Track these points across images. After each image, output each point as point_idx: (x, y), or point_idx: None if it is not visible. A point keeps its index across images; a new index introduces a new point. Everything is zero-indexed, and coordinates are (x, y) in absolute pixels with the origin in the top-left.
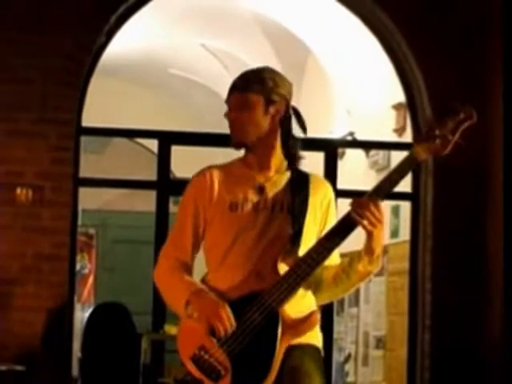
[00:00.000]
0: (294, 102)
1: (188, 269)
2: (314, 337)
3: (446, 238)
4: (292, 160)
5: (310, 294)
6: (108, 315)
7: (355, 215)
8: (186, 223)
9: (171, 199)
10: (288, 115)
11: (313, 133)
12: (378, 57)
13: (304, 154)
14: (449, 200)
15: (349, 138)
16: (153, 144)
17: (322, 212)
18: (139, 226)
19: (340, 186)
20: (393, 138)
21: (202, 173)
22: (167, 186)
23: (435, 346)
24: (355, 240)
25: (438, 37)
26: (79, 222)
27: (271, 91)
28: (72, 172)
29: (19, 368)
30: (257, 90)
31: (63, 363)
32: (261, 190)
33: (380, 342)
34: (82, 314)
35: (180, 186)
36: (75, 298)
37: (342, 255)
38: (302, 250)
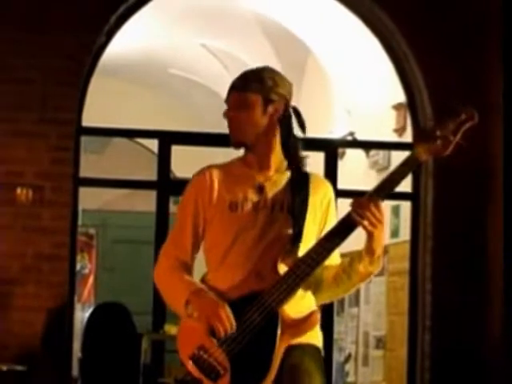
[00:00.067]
0: (293, 102)
1: (188, 268)
2: (314, 336)
3: (447, 239)
4: (292, 160)
5: (309, 294)
6: (108, 315)
7: (355, 215)
8: (185, 223)
9: (171, 199)
10: (287, 115)
11: (313, 133)
12: (377, 56)
13: (305, 153)
14: (449, 200)
15: (349, 138)
16: (153, 144)
17: (322, 212)
18: (139, 226)
19: (340, 186)
20: (393, 137)
21: (201, 172)
22: (167, 185)
23: (435, 347)
24: (355, 240)
25: (438, 36)
26: (79, 222)
27: (270, 90)
28: (72, 172)
29: (19, 368)
30: (255, 89)
31: (63, 363)
32: (260, 189)
33: (380, 342)
34: (82, 314)
35: (180, 185)
36: (75, 298)
37: (343, 255)
38: (302, 250)
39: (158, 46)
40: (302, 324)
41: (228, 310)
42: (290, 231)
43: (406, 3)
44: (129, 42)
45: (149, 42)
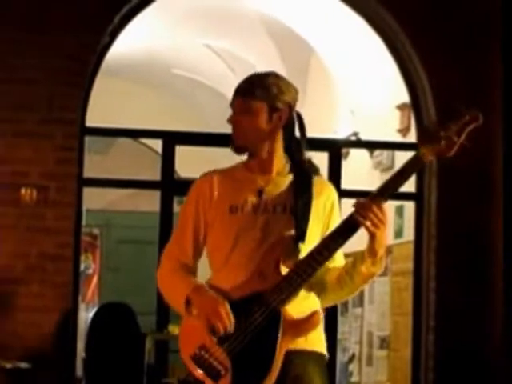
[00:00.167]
0: (298, 103)
1: (190, 270)
2: (318, 342)
3: (450, 239)
4: (295, 163)
5: (313, 295)
6: (112, 315)
7: (358, 216)
8: (187, 226)
9: (175, 199)
10: (292, 121)
11: (317, 133)
12: (382, 57)
13: (308, 155)
14: (453, 200)
15: (353, 138)
16: (157, 144)
17: (326, 214)
18: (143, 226)
19: (344, 186)
20: (397, 138)
21: (203, 176)
22: (171, 186)
23: (439, 347)
24: (358, 240)
25: (443, 37)
26: (83, 222)
27: (275, 98)
28: (76, 172)
29: (24, 365)
30: (260, 96)
31: (67, 363)
32: (260, 192)
33: (384, 342)
34: (86, 314)
35: (184, 186)
36: (79, 298)
37: (346, 255)
38: (305, 251)
39: (161, 47)
40: (303, 324)
41: (228, 307)
42: (293, 232)
43: (410, 4)
44: (132, 42)
45: (152, 43)
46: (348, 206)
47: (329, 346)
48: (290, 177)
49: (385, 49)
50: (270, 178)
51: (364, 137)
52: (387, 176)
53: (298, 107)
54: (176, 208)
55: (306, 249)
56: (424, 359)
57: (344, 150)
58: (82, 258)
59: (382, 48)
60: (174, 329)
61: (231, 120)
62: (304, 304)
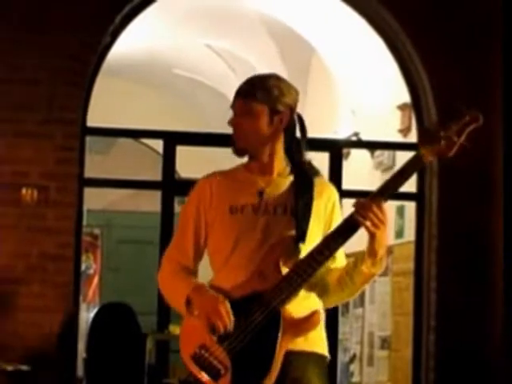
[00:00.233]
0: (299, 103)
1: (190, 271)
2: (318, 343)
3: (451, 239)
4: (295, 164)
5: (313, 295)
6: (113, 315)
7: (358, 216)
8: (187, 227)
9: (176, 199)
10: (293, 123)
11: (318, 133)
12: (382, 57)
13: (310, 154)
14: (454, 200)
15: (354, 138)
16: (158, 144)
17: (327, 215)
18: (144, 227)
19: (345, 186)
20: (398, 138)
21: (204, 178)
22: (172, 186)
23: (440, 347)
24: (358, 241)
25: (443, 37)
26: (84, 222)
27: (276, 101)
28: (77, 172)
29: (24, 368)
30: (262, 99)
31: (68, 363)
32: (261, 193)
33: (385, 343)
34: (87, 315)
35: (185, 186)
36: (80, 299)
37: (346, 256)
38: (306, 252)
39: (162, 47)
40: (303, 324)
41: (228, 306)
42: (293, 233)
43: (411, 4)
44: (134, 42)
45: (153, 43)
46: (349, 206)
47: (330, 347)
48: (291, 178)
49: (386, 49)
50: (270, 179)
51: (365, 137)
52: (388, 176)
53: (299, 107)
54: (177, 208)
55: (306, 249)
56: (425, 359)
57: (345, 150)
58: (83, 258)
59: (383, 48)
60: (174, 329)
61: (232, 122)
62: (304, 304)
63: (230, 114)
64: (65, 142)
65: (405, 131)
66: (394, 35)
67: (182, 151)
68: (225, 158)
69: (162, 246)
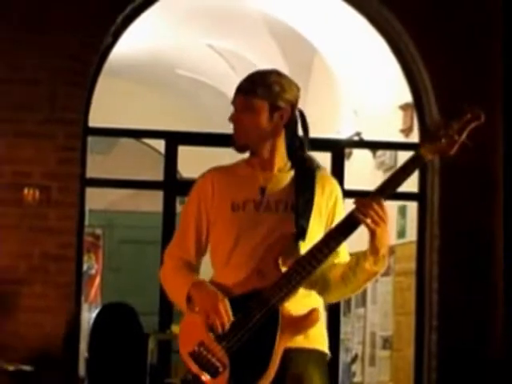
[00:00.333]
0: (300, 103)
1: (192, 268)
2: (319, 340)
3: (453, 238)
4: (296, 160)
5: (314, 293)
6: (115, 315)
7: (358, 214)
8: (188, 224)
9: (178, 199)
10: (294, 119)
11: (320, 133)
12: (384, 57)
13: (311, 154)
14: (456, 200)
15: (356, 138)
16: (159, 144)
17: (329, 210)
18: (146, 227)
19: (347, 186)
20: (400, 138)
21: (204, 174)
22: (174, 186)
23: (442, 347)
24: (358, 240)
25: (445, 37)
26: (86, 223)
27: (277, 97)
28: (79, 172)
29: (26, 368)
30: (262, 95)
31: (70, 363)
32: (263, 189)
33: (387, 343)
34: (88, 315)
35: (187, 186)
36: (82, 299)
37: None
38: (307, 248)
39: (164, 47)
40: (302, 322)
41: (227, 304)
42: (294, 230)
43: (413, 5)
44: (135, 42)
45: (155, 43)
46: (351, 206)
47: (331, 347)
48: (292, 173)
49: (387, 49)
50: (271, 174)
51: (367, 137)
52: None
53: (301, 107)
54: (179, 208)
55: (306, 247)
56: (427, 359)
57: (347, 150)
58: (85, 258)
59: (385, 48)
60: (176, 329)
61: (232, 118)
62: (304, 302)
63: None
64: (66, 142)
65: (407, 131)
66: (397, 36)
67: (183, 151)
68: (226, 158)
69: (164, 246)
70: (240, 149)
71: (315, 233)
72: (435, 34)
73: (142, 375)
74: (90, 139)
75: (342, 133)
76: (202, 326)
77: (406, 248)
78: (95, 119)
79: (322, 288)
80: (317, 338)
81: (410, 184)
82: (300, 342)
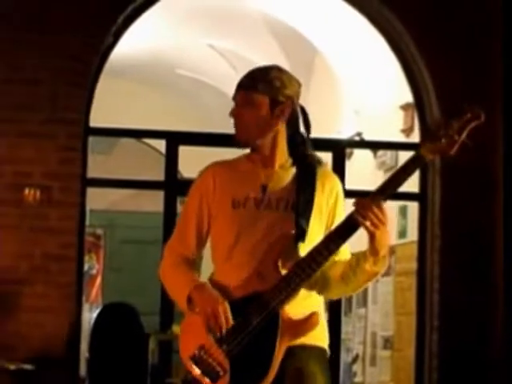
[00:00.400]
0: (301, 102)
1: (192, 264)
2: (320, 337)
3: (454, 238)
4: (298, 157)
5: (313, 294)
6: (116, 315)
7: (358, 216)
8: (189, 219)
9: (179, 199)
10: (295, 115)
11: (321, 133)
12: (385, 57)
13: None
14: (456, 200)
15: (356, 138)
16: (160, 144)
17: (329, 208)
18: (147, 227)
19: (348, 186)
20: (400, 138)
21: (206, 169)
22: (175, 186)
23: (443, 347)
24: (358, 241)
25: (446, 37)
26: (87, 223)
27: (278, 92)
28: (80, 172)
29: (27, 367)
30: (262, 90)
31: (71, 363)
32: (264, 187)
33: (388, 343)
34: (89, 315)
35: (188, 186)
36: (83, 299)
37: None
38: (307, 249)
39: (165, 47)
40: (302, 325)
41: (227, 307)
42: (294, 231)
43: (414, 5)
44: (136, 42)
45: (156, 43)
46: (351, 206)
47: (332, 347)
48: (293, 170)
49: (388, 48)
50: (272, 172)
51: (368, 137)
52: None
53: None
54: (179, 208)
55: (306, 247)
56: (428, 359)
57: (348, 150)
58: (86, 258)
59: (386, 48)
60: (177, 329)
61: (233, 113)
62: (304, 304)
63: None
64: (67, 142)
65: (407, 131)
66: (398, 36)
67: (184, 151)
68: (227, 158)
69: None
70: (240, 144)
71: (315, 233)
72: (435, 34)
73: (143, 375)
74: (91, 139)
75: (343, 133)
76: (202, 328)
77: (407, 248)
78: (96, 119)
79: (322, 286)
80: (317, 336)
81: (411, 184)
82: (301, 339)
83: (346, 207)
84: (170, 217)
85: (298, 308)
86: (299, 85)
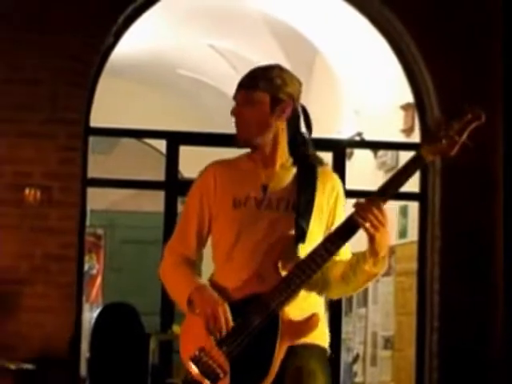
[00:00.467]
0: (302, 102)
1: (192, 264)
2: (320, 337)
3: (454, 239)
4: (299, 157)
5: (313, 295)
6: (116, 315)
7: (358, 217)
8: (190, 219)
9: (179, 199)
10: (296, 114)
11: (321, 133)
12: (386, 57)
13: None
14: (457, 200)
15: (357, 138)
16: (161, 144)
17: (330, 208)
18: (147, 227)
19: (348, 186)
20: (401, 138)
21: (206, 169)
22: (175, 186)
23: (443, 347)
24: (357, 243)
25: (447, 38)
26: (87, 223)
27: (278, 90)
28: (80, 172)
29: (28, 367)
30: (263, 87)
31: (71, 363)
32: (265, 187)
33: (388, 343)
34: (90, 315)
35: (188, 186)
36: (83, 299)
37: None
38: (308, 250)
39: (165, 47)
40: (302, 326)
41: (227, 309)
42: (294, 232)
43: (415, 5)
44: (136, 42)
45: (156, 43)
46: (351, 206)
47: (333, 346)
48: (294, 170)
49: (389, 48)
50: (273, 171)
51: (368, 137)
52: (389, 176)
53: None
54: (180, 208)
55: (307, 247)
56: (428, 359)
57: (348, 151)
58: (86, 258)
59: (386, 48)
60: (178, 329)
61: (234, 112)
62: (303, 306)
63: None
64: (68, 142)
65: (408, 131)
66: (398, 37)
67: (185, 151)
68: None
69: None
70: (241, 144)
71: (316, 233)
72: (436, 34)
73: (144, 375)
74: (92, 139)
75: (343, 133)
76: (202, 328)
77: (407, 248)
78: (96, 119)
79: (323, 287)
80: (318, 336)
81: (411, 184)
82: (301, 340)
83: (348, 207)
84: (170, 217)
85: (297, 309)
86: (300, 84)
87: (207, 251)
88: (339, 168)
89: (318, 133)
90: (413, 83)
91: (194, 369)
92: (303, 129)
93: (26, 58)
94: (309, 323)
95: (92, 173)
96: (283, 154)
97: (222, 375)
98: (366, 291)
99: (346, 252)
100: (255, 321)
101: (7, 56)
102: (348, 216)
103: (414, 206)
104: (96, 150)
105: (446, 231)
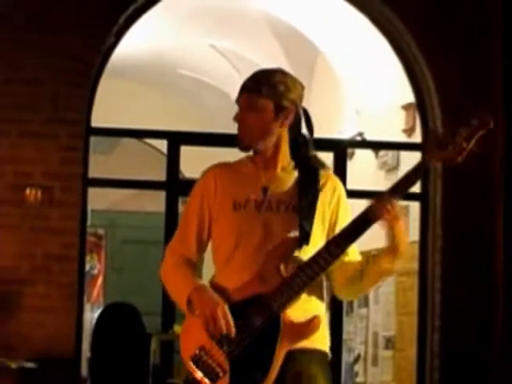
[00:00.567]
0: (303, 103)
1: (193, 265)
2: (320, 341)
3: (456, 239)
4: (300, 160)
5: (315, 298)
6: (117, 315)
7: (376, 210)
8: (191, 221)
9: (180, 199)
10: (298, 118)
11: (322, 133)
12: (387, 57)
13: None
14: (458, 200)
15: (358, 138)
16: (162, 144)
17: (332, 210)
18: (148, 227)
19: (349, 186)
20: (402, 138)
21: (207, 171)
22: (176, 186)
23: (445, 347)
24: (357, 247)
25: (448, 38)
26: (88, 223)
27: (282, 96)
28: (81, 172)
29: (29, 365)
30: (267, 94)
31: (72, 363)
32: (265, 189)
33: (389, 343)
34: (91, 315)
35: (189, 186)
36: (85, 299)
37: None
38: (310, 252)
39: (166, 47)
40: (303, 328)
41: (226, 310)
42: (296, 233)
43: (415, 5)
44: (138, 42)
45: (158, 43)
46: (353, 206)
47: (334, 347)
48: (295, 173)
49: (390, 49)
50: (274, 174)
51: (369, 137)
52: (392, 176)
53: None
54: (181, 208)
55: (310, 248)
56: (429, 359)
57: (349, 151)
58: (87, 258)
59: (387, 48)
60: (179, 329)
61: (237, 117)
62: (305, 307)
63: (234, 113)
64: (69, 142)
65: (409, 131)
66: (399, 36)
67: (186, 151)
68: (229, 158)
69: (167, 247)
70: (244, 148)
71: (318, 236)
72: (436, 34)
73: (145, 375)
74: (93, 139)
75: (345, 133)
76: (203, 329)
77: (409, 248)
78: (97, 119)
79: (333, 287)
80: (318, 339)
81: None
82: (302, 343)
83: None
84: (171, 217)
85: (299, 311)
86: (302, 88)
87: (208, 254)
88: (340, 168)
89: (318, 133)
90: (414, 83)
91: (193, 368)
92: (304, 131)
93: (26, 58)
94: (310, 325)
95: (93, 173)
96: (284, 157)
97: (221, 374)
98: None
99: (354, 253)
100: (257, 321)
101: (8, 56)
102: (360, 213)
103: (415, 206)
104: (97, 150)
105: (447, 231)
